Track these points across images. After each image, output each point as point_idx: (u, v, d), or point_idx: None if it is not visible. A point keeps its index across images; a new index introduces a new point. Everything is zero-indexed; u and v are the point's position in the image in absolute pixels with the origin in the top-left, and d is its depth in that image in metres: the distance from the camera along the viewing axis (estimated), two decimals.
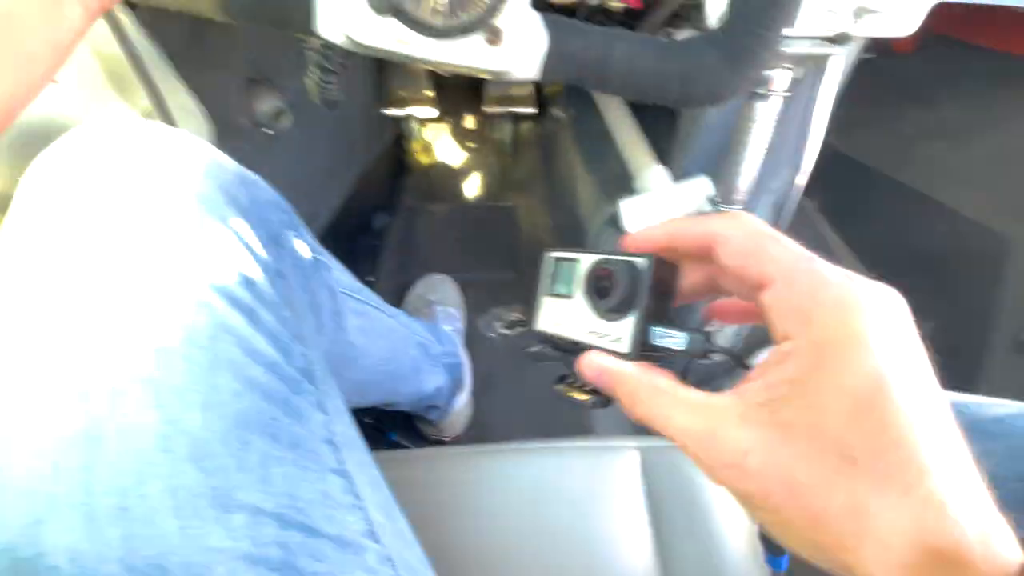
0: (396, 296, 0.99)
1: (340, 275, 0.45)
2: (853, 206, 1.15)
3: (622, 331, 0.23)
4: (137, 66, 0.47)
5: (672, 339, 0.22)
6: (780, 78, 0.47)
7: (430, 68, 0.43)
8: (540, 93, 1.31)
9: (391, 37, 0.30)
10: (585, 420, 0.82)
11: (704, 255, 0.22)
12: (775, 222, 0.66)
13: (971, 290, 0.91)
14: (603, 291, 0.23)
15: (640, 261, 0.22)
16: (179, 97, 0.55)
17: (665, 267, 0.23)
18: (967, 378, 0.86)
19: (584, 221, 0.90)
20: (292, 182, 0.80)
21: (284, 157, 0.74)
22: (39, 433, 0.22)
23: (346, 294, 0.46)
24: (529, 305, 0.28)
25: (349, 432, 0.31)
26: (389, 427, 0.80)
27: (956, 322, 0.91)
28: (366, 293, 0.51)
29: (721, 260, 0.21)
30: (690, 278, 0.24)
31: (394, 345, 0.55)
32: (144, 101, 0.50)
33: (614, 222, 0.71)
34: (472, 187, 1.30)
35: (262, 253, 0.30)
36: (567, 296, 0.26)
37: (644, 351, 0.22)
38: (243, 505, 0.24)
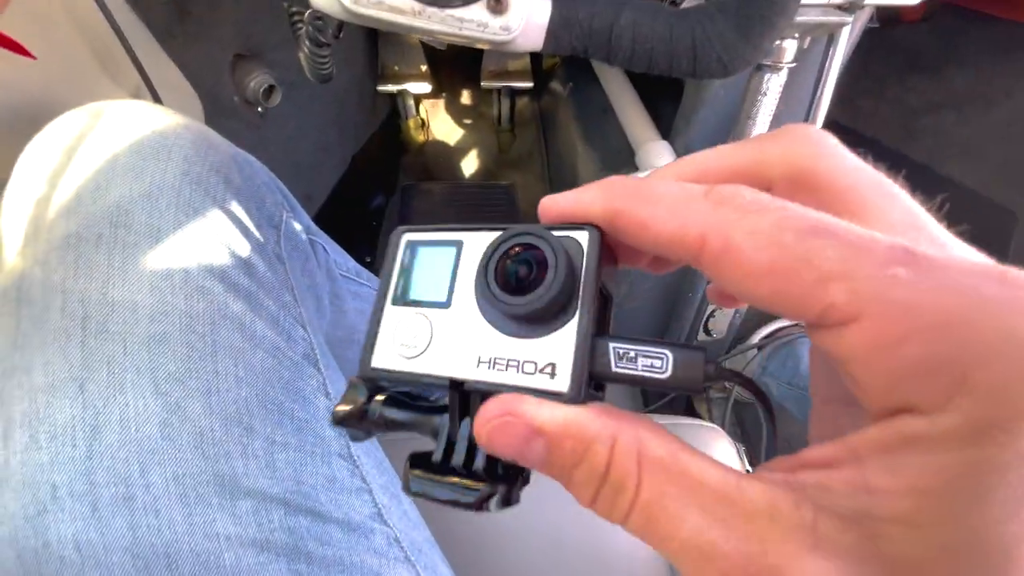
0: None
1: (338, 257, 0.44)
2: None
3: (551, 353, 0.14)
4: (123, 43, 0.45)
5: (647, 359, 0.13)
6: (789, 49, 0.46)
7: (426, 40, 0.42)
8: (538, 67, 1.28)
9: (387, 5, 0.29)
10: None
11: (684, 253, 0.12)
12: None
13: None
14: (520, 285, 0.14)
15: (579, 235, 0.14)
16: (167, 74, 0.53)
17: (607, 248, 0.15)
18: None
19: None
20: (286, 162, 0.79)
21: (277, 136, 0.73)
22: (33, 424, 0.22)
23: (345, 276, 0.45)
24: None
25: None
26: None
27: None
28: (365, 275, 0.50)
29: (735, 269, 0.11)
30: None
31: None
32: (132, 78, 0.48)
33: None
34: (469, 165, 1.28)
35: (259, 236, 0.30)
36: (439, 305, 0.15)
37: (590, 387, 0.14)
38: (249, 491, 0.24)
